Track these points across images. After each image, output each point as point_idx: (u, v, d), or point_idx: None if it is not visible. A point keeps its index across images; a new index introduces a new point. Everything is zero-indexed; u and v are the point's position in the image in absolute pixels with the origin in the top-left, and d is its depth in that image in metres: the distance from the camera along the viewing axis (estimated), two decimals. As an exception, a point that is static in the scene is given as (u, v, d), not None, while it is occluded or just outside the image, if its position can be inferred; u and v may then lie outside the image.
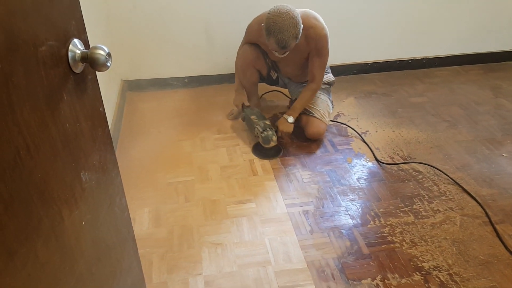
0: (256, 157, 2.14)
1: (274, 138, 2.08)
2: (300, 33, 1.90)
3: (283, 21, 1.83)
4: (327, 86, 2.33)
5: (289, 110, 2.22)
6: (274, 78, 2.42)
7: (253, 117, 2.20)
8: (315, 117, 2.23)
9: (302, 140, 2.27)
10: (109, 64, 0.70)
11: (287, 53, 2.01)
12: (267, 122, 2.13)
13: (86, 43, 0.73)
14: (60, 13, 0.66)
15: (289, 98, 2.61)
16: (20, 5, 0.55)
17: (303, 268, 1.53)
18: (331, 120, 2.43)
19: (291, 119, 2.16)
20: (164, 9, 2.50)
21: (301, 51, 2.09)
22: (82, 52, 0.69)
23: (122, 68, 2.65)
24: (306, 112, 2.25)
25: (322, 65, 2.12)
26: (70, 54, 0.67)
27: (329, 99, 2.33)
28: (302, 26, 1.90)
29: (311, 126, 2.22)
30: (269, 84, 2.50)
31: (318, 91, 2.25)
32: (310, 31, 2.00)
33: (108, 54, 0.70)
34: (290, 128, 2.17)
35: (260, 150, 2.16)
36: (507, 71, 3.09)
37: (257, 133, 2.13)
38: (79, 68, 0.70)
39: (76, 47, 0.69)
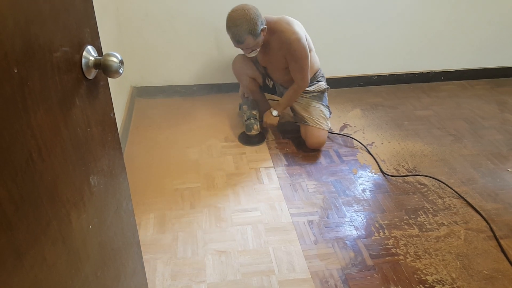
0: (240, 143, 2.34)
1: (256, 127, 2.29)
2: (257, 30, 1.96)
3: (237, 16, 1.95)
4: (319, 93, 2.33)
5: (275, 104, 2.31)
6: (271, 86, 2.46)
7: (244, 106, 2.39)
8: (309, 125, 2.26)
9: (308, 150, 2.28)
10: (121, 71, 0.71)
11: (254, 52, 2.09)
12: (254, 112, 2.32)
13: (99, 50, 0.75)
14: (75, 20, 0.68)
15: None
16: (38, 13, 0.56)
17: (307, 278, 1.53)
18: (337, 133, 2.43)
19: (275, 113, 2.29)
20: (175, 18, 2.54)
21: (279, 55, 2.14)
22: (96, 59, 0.71)
23: (132, 74, 2.68)
24: (302, 122, 2.30)
25: (300, 68, 2.14)
26: (83, 60, 0.69)
27: (323, 105, 2.33)
28: (261, 23, 1.97)
29: (310, 136, 2.25)
30: (267, 93, 2.54)
31: (310, 100, 2.29)
32: (281, 35, 2.06)
33: (121, 62, 0.71)
34: (274, 121, 2.32)
35: (244, 137, 2.36)
36: (514, 86, 3.09)
37: (243, 121, 2.35)
38: (92, 74, 0.72)
39: (89, 53, 0.71)
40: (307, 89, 2.28)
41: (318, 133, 2.25)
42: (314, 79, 2.30)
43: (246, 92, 2.52)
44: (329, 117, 2.34)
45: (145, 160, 2.18)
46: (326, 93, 2.37)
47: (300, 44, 2.06)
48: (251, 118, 2.30)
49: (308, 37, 2.20)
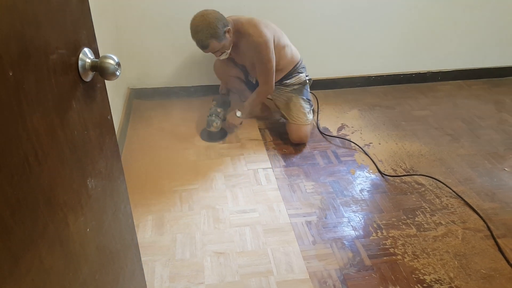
0: (201, 139, 2.38)
1: (215, 124, 2.32)
2: (219, 32, 1.98)
3: (196, 22, 1.99)
4: (299, 86, 2.35)
5: (240, 106, 2.35)
6: (254, 82, 2.48)
7: (214, 102, 2.43)
8: (289, 122, 2.32)
9: (305, 152, 2.28)
10: (118, 74, 0.71)
11: (225, 54, 2.14)
12: (219, 110, 2.37)
13: (96, 52, 0.75)
14: (71, 23, 0.67)
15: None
16: (34, 16, 0.56)
17: (305, 279, 1.53)
18: (334, 136, 2.44)
19: (238, 113, 2.34)
20: (173, 19, 2.53)
21: (249, 56, 2.18)
22: (92, 61, 0.71)
23: (129, 76, 2.67)
24: (284, 118, 2.39)
25: (265, 70, 2.16)
26: (80, 62, 0.69)
27: (303, 99, 2.34)
28: (222, 26, 1.99)
29: (290, 132, 2.35)
30: (250, 88, 2.51)
31: (291, 94, 2.32)
32: (249, 38, 2.09)
33: (118, 64, 0.71)
34: (236, 121, 2.37)
35: (205, 133, 2.40)
36: (510, 87, 3.10)
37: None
38: (88, 76, 0.71)
39: (86, 56, 0.70)
40: (287, 81, 2.32)
41: (298, 128, 2.30)
42: (295, 71, 2.32)
43: (222, 89, 2.59)
44: (310, 110, 2.36)
45: (143, 161, 2.18)
46: (307, 85, 2.40)
47: (266, 47, 2.08)
48: (213, 114, 2.34)
49: (281, 34, 2.22)
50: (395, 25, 2.82)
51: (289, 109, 2.33)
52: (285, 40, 2.26)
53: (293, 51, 2.31)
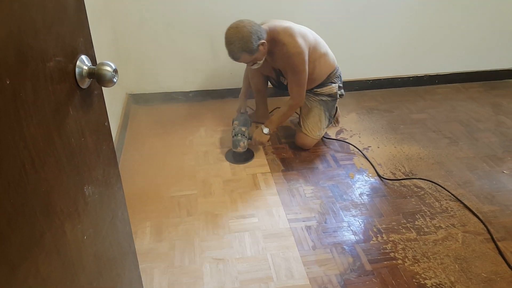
0: (227, 161, 2.24)
1: (242, 144, 2.19)
2: (251, 46, 1.95)
3: (230, 34, 1.96)
4: (328, 98, 2.30)
5: (267, 121, 2.26)
6: (285, 83, 2.42)
7: (236, 122, 2.29)
8: (300, 129, 2.29)
9: (304, 155, 2.28)
10: (115, 80, 0.71)
11: (256, 65, 2.10)
12: (243, 129, 2.23)
13: (93, 59, 0.75)
14: (69, 30, 0.67)
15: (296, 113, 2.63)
16: (31, 23, 0.56)
17: (305, 285, 1.52)
18: (333, 139, 2.44)
19: (266, 130, 2.22)
20: (170, 24, 2.54)
21: (282, 64, 2.15)
22: (89, 68, 0.71)
23: (127, 81, 2.67)
24: (298, 122, 2.33)
25: (297, 82, 2.13)
26: (77, 70, 0.69)
27: (325, 114, 2.30)
28: (256, 39, 1.96)
29: (297, 137, 2.34)
30: (280, 89, 2.47)
31: (317, 103, 2.28)
32: (283, 48, 2.05)
33: (115, 71, 0.71)
34: (264, 139, 2.24)
35: (231, 155, 2.26)
36: (507, 89, 3.11)
37: (231, 137, 2.25)
38: (85, 83, 0.71)
39: (83, 63, 0.70)
40: (317, 90, 2.27)
41: (304, 139, 2.29)
42: (329, 79, 2.28)
43: (242, 107, 2.50)
44: (326, 127, 2.34)
45: (141, 167, 2.17)
46: (336, 100, 2.34)
47: (299, 58, 2.05)
48: (239, 134, 2.21)
49: (318, 42, 2.19)
50: (393, 29, 2.83)
51: (307, 117, 2.28)
52: (323, 48, 2.21)
53: (330, 59, 2.26)
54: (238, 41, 1.93)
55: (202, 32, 2.60)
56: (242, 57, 1.99)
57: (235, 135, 2.21)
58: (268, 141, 2.30)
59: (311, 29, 2.22)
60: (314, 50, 2.15)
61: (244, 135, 2.21)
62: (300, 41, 2.06)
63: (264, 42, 2.00)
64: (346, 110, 2.76)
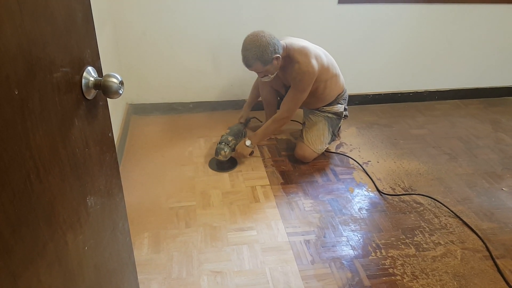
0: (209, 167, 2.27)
1: (223, 153, 2.20)
2: (266, 57, 1.98)
3: (249, 40, 2.00)
4: (334, 116, 2.33)
5: (252, 134, 2.30)
6: None
7: (227, 131, 2.32)
8: (302, 140, 2.30)
9: (304, 168, 2.28)
10: (121, 92, 0.72)
11: (267, 77, 2.12)
12: (229, 138, 2.25)
13: (99, 71, 0.75)
14: (76, 42, 0.68)
15: (299, 122, 2.64)
16: (40, 35, 0.57)
17: (303, 299, 1.51)
18: (333, 152, 2.44)
19: (248, 143, 2.25)
20: (172, 36, 2.56)
21: (292, 80, 2.15)
22: (96, 80, 0.71)
23: (128, 92, 2.69)
24: (300, 134, 2.34)
25: (294, 99, 2.15)
26: (83, 81, 0.69)
27: (329, 129, 2.33)
28: (273, 52, 1.98)
29: (297, 148, 2.33)
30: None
31: (322, 118, 2.30)
32: (295, 65, 2.07)
33: (121, 82, 0.72)
34: (246, 151, 2.29)
35: (214, 162, 2.30)
36: (507, 106, 3.13)
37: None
38: (91, 94, 0.72)
39: (90, 74, 0.71)
40: (324, 107, 2.31)
41: (304, 150, 2.29)
42: (336, 101, 2.32)
43: (243, 117, 2.52)
44: (328, 143, 2.35)
45: (140, 177, 2.17)
46: (341, 120, 2.38)
47: (307, 78, 2.08)
48: (223, 143, 2.23)
49: (331, 63, 2.22)
50: (393, 45, 2.86)
51: (311, 130, 2.31)
52: (335, 69, 2.25)
53: (340, 81, 2.31)
54: (255, 49, 1.96)
55: (204, 43, 2.62)
56: (254, 65, 2.01)
57: (219, 142, 2.25)
58: (250, 154, 2.34)
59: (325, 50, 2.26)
60: (327, 71, 2.18)
61: (228, 144, 2.23)
62: (314, 62, 2.09)
63: (278, 56, 2.03)
64: (346, 124, 2.77)
